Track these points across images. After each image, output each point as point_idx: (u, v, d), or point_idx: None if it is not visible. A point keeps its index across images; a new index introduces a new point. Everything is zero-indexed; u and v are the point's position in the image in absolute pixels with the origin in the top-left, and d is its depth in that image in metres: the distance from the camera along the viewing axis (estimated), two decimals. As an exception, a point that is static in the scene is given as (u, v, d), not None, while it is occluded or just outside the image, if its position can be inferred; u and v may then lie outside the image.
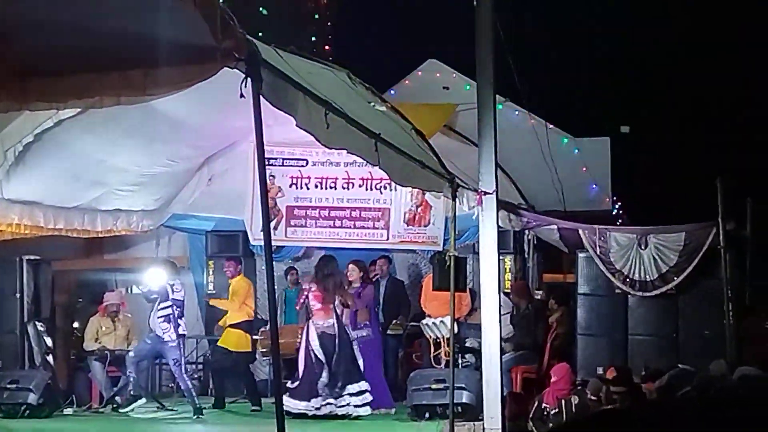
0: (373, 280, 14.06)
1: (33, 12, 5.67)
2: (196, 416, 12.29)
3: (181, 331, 12.64)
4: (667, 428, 1.45)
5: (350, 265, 12.86)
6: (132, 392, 12.59)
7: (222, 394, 13.49)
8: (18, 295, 13.49)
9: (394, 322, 14.05)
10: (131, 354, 12.71)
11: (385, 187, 14.30)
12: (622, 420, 1.50)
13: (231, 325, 13.46)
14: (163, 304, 12.56)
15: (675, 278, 12.63)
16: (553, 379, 11.00)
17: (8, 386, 12.16)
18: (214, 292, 14.94)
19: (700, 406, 1.55)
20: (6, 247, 13.31)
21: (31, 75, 6.02)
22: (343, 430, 11.47)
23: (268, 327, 12.74)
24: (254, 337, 13.75)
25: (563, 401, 10.80)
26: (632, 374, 10.52)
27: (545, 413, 10.98)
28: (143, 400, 12.67)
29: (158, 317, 12.53)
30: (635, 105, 23.95)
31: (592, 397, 10.43)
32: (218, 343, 13.55)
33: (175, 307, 12.61)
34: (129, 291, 15.38)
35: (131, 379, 12.61)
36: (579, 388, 11.02)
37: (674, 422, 1.47)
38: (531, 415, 11.22)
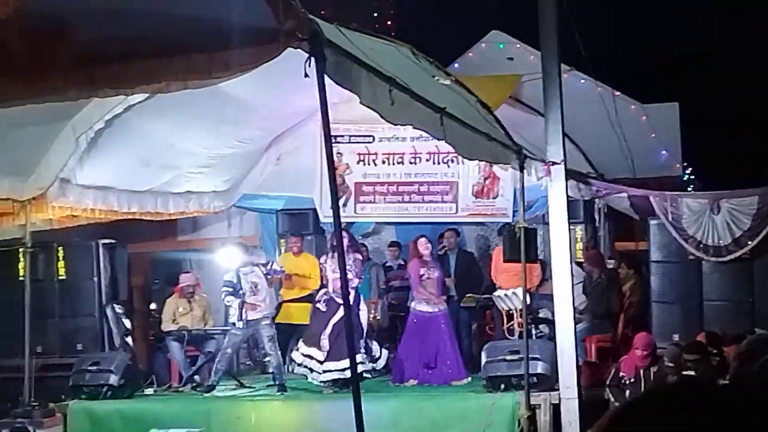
0: (441, 253, 14.12)
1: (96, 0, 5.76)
2: (281, 392, 12.48)
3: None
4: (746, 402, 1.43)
5: (421, 239, 12.91)
6: (215, 381, 12.73)
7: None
8: (95, 279, 13.78)
9: (466, 294, 14.05)
10: (228, 350, 12.82)
11: (452, 161, 14.28)
12: (703, 392, 1.47)
13: (287, 301, 13.61)
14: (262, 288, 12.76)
15: (749, 242, 12.47)
16: (635, 348, 10.91)
17: (90, 368, 12.39)
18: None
19: None
20: (82, 232, 13.59)
21: (98, 62, 6.10)
22: (418, 402, 11.54)
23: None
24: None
25: (642, 370, 10.74)
26: (720, 340, 10.44)
27: (622, 381, 10.93)
28: (221, 390, 12.81)
29: (261, 298, 12.70)
30: (704, 68, 23.58)
31: (670, 364, 10.37)
32: (276, 320, 13.61)
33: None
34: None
35: (219, 371, 12.75)
36: (658, 356, 10.95)
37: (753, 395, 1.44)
38: (608, 383, 11.18)
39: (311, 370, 12.33)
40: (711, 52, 23.79)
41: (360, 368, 11.94)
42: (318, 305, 12.57)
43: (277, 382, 12.67)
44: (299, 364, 12.44)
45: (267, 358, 12.92)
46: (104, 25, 5.84)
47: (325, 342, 12.21)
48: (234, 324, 12.83)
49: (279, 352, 12.83)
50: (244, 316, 12.69)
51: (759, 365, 6.39)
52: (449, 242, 14.46)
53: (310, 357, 12.29)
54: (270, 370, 12.98)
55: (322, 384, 12.28)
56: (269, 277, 12.88)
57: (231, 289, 12.73)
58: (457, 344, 13.08)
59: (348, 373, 11.99)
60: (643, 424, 1.43)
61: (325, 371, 12.20)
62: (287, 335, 13.76)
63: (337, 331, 12.03)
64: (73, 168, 11.61)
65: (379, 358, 12.79)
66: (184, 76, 6.04)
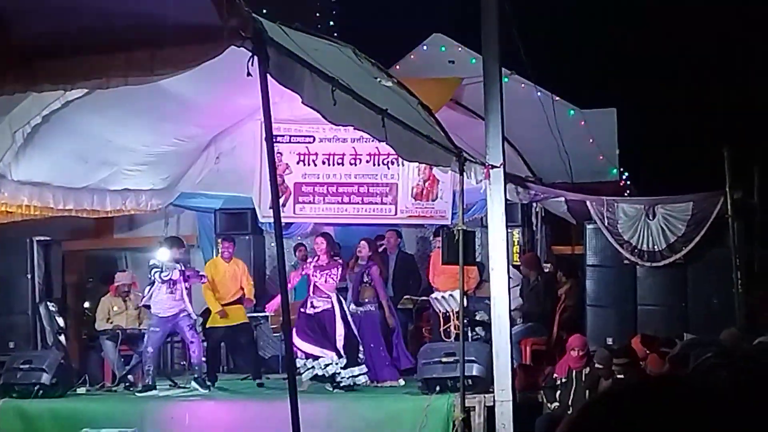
0: (380, 251, 14.16)
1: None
2: (204, 389, 12.50)
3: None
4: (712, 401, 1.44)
5: (362, 242, 12.97)
6: (150, 382, 12.63)
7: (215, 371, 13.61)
8: (29, 276, 13.59)
9: (404, 296, 14.09)
10: (150, 349, 12.71)
11: (392, 163, 14.30)
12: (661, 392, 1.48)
13: (225, 305, 13.56)
14: (179, 285, 12.69)
15: (683, 248, 12.64)
16: (570, 349, 11.03)
17: (21, 366, 12.22)
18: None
19: (730, 376, 1.53)
20: (16, 229, 13.38)
21: (38, 57, 6.04)
22: (353, 404, 11.55)
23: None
24: (267, 314, 13.87)
25: (574, 371, 10.86)
26: (659, 342, 10.57)
27: (555, 383, 11.04)
28: (156, 390, 12.71)
29: (179, 296, 12.63)
30: (641, 75, 23.87)
31: (599, 366, 10.50)
32: (207, 326, 13.52)
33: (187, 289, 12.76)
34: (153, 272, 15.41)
35: (150, 372, 12.66)
36: (591, 358, 11.07)
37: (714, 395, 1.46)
38: (541, 386, 11.28)
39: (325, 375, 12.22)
40: (649, 59, 24.09)
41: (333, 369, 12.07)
42: (306, 311, 12.44)
43: (196, 376, 12.64)
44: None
45: (191, 349, 12.82)
46: (44, 19, 5.77)
47: (340, 345, 12.16)
48: (156, 317, 12.71)
49: (201, 342, 12.81)
50: (155, 311, 12.67)
51: (697, 366, 6.49)
52: (389, 243, 14.50)
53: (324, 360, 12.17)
54: (192, 361, 12.87)
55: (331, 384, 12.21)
56: (187, 280, 12.82)
57: (158, 269, 12.67)
58: (392, 345, 13.12)
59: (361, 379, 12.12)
60: (603, 426, 1.45)
61: (344, 376, 12.15)
62: (220, 337, 13.69)
63: (347, 336, 12.12)
64: (9, 164, 11.45)
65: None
66: (124, 73, 5.99)
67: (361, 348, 12.38)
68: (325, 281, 12.40)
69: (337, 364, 12.12)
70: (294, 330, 11.86)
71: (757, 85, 21.69)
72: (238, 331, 13.63)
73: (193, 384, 12.72)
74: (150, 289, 12.81)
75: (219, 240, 15.04)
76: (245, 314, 13.73)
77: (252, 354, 13.85)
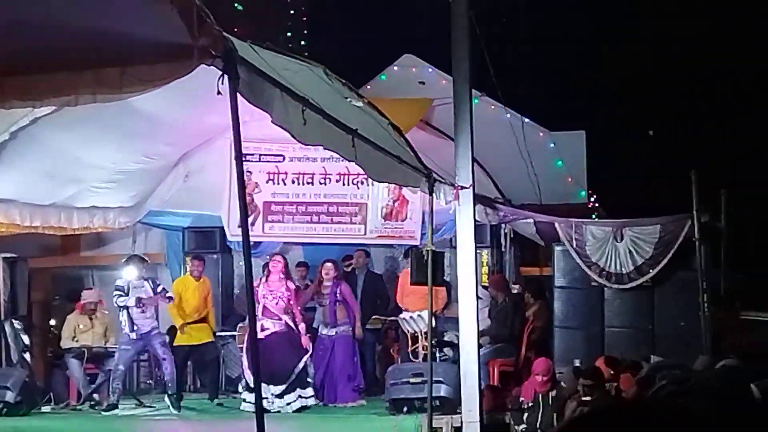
0: (348, 270, 14.15)
1: (6, 11, 5.66)
2: (177, 402, 12.42)
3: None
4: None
5: (327, 264, 12.94)
6: (114, 401, 12.53)
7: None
8: (-6, 293, 13.46)
9: (372, 316, 14.06)
10: (120, 367, 12.64)
11: (362, 183, 14.31)
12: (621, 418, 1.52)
13: (187, 323, 13.51)
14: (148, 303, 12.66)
15: (651, 270, 12.72)
16: (534, 373, 11.04)
17: (-15, 384, 12.11)
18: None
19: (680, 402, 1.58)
20: (-18, 245, 13.27)
21: (6, 74, 6.00)
22: (321, 424, 11.51)
23: (246, 322, 12.81)
24: (234, 333, 13.82)
25: (540, 395, 10.86)
26: (620, 364, 10.62)
27: (522, 406, 11.05)
28: (118, 410, 12.61)
29: (150, 314, 12.58)
30: (610, 97, 24.04)
31: (564, 386, 10.52)
32: (174, 344, 13.47)
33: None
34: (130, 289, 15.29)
35: (117, 390, 12.56)
36: (557, 380, 11.09)
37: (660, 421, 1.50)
38: (509, 407, 11.29)
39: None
40: (617, 81, 24.27)
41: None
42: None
43: (170, 393, 12.56)
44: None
45: (163, 366, 12.74)
46: (13, 36, 5.74)
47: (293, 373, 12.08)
48: (127, 335, 12.66)
49: (173, 358, 12.72)
50: (135, 327, 12.58)
51: (655, 392, 6.53)
52: (357, 261, 14.49)
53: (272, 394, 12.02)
54: (165, 378, 12.80)
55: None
56: (153, 296, 12.78)
57: (121, 293, 12.63)
58: (358, 367, 13.10)
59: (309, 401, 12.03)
60: None
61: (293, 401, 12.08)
62: (185, 355, 13.63)
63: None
64: (-25, 180, 11.36)
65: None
66: (93, 90, 5.96)
67: (310, 371, 12.34)
68: (276, 303, 12.32)
69: (273, 394, 12.00)
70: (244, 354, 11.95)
71: (726, 109, 21.91)
72: (204, 349, 13.59)
73: (167, 401, 12.64)
74: (120, 313, 12.76)
75: (188, 258, 14.97)
76: (210, 333, 13.67)
77: (213, 373, 13.80)
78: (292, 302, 12.36)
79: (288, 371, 12.04)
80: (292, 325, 12.29)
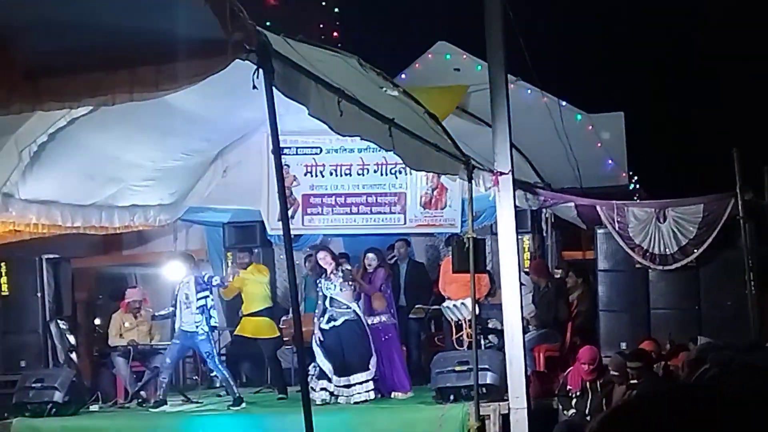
0: (392, 262, 14.12)
1: (41, 12, 5.67)
2: (236, 405, 12.33)
3: (213, 323, 12.68)
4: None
5: (369, 254, 12.91)
6: (161, 396, 12.57)
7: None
8: (39, 295, 13.59)
9: (416, 305, 14.02)
10: (168, 360, 12.66)
11: (400, 172, 14.27)
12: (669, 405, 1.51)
13: (248, 314, 13.52)
14: (200, 295, 12.58)
15: (695, 251, 12.58)
16: (580, 362, 10.94)
17: (34, 385, 12.21)
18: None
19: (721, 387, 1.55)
20: (25, 247, 13.38)
21: (43, 75, 6.02)
22: (368, 415, 11.49)
23: (290, 315, 12.82)
24: (279, 326, 13.84)
25: (588, 383, 10.77)
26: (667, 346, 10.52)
27: (569, 394, 10.97)
28: (167, 405, 12.65)
29: (194, 310, 12.53)
30: (649, 78, 23.82)
31: (615, 373, 10.43)
32: (235, 332, 13.55)
33: (210, 298, 12.66)
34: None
35: (164, 385, 12.60)
36: (603, 366, 10.99)
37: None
38: (556, 393, 11.22)
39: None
40: (656, 61, 24.04)
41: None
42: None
43: (229, 395, 12.54)
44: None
45: (213, 374, 12.79)
46: (49, 37, 5.75)
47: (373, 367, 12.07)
48: (179, 329, 12.69)
49: (222, 366, 12.70)
50: (177, 325, 12.59)
51: (699, 375, 6.45)
52: (399, 252, 14.46)
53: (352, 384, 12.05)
54: (217, 385, 12.84)
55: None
56: (213, 289, 12.79)
57: (200, 287, 12.66)
58: (405, 356, 13.07)
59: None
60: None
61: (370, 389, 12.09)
62: (240, 347, 13.67)
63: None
64: (16, 182, 11.42)
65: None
66: (129, 89, 5.97)
67: (373, 360, 12.29)
68: (342, 290, 12.31)
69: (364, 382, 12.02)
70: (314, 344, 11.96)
71: (767, 85, 21.62)
72: (264, 344, 13.53)
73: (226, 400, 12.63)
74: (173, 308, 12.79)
75: (229, 253, 15.02)
76: (274, 328, 13.64)
77: (276, 369, 13.74)
78: (359, 282, 12.34)
79: (360, 360, 12.03)
80: (360, 313, 12.25)
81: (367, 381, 12.00)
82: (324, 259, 12.48)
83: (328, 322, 12.22)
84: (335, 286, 12.26)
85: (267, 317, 13.57)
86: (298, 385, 13.34)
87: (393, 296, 13.25)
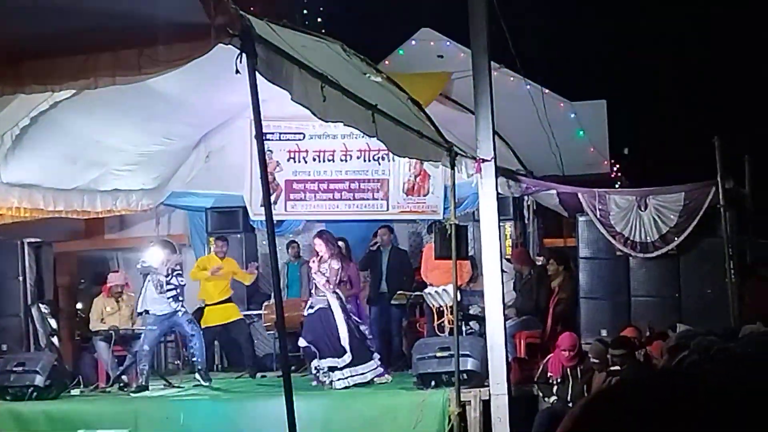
0: (375, 249, 14.14)
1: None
2: (205, 382, 12.56)
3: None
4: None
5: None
6: (143, 383, 12.58)
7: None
8: (20, 278, 13.54)
9: (397, 292, 14.05)
10: (145, 348, 12.67)
11: (383, 158, 14.29)
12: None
13: (210, 304, 13.56)
14: (168, 286, 12.59)
15: (675, 238, 12.64)
16: (560, 349, 10.99)
17: (14, 369, 12.17)
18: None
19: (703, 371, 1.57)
20: (7, 231, 13.34)
21: (25, 58, 6.01)
22: (349, 401, 11.52)
23: (272, 301, 12.85)
24: (260, 312, 13.87)
25: (568, 369, 10.83)
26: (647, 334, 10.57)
27: (549, 380, 11.02)
28: (149, 391, 12.67)
29: (168, 297, 12.55)
30: (631, 66, 23.88)
31: (595, 360, 10.48)
32: (202, 325, 13.48)
33: (178, 289, 12.68)
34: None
35: (144, 372, 12.62)
36: (583, 353, 11.05)
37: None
38: (536, 380, 11.27)
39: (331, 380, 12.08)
40: (638, 50, 24.10)
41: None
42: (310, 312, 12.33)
43: (199, 368, 12.63)
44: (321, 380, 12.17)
45: (192, 342, 12.76)
46: (31, 20, 5.73)
47: (346, 347, 12.06)
48: (153, 315, 12.66)
49: (201, 333, 12.75)
50: (151, 311, 12.65)
51: (678, 361, 6.50)
52: (382, 239, 14.46)
53: (332, 368, 12.04)
54: (194, 355, 12.83)
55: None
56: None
57: (148, 264, 12.65)
58: (384, 342, 13.10)
59: (368, 376, 12.03)
60: (610, 422, 1.48)
61: (348, 376, 12.05)
62: (215, 335, 13.72)
63: (353, 336, 12.01)
64: (-2, 166, 11.41)
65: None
66: (112, 72, 5.97)
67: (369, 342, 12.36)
68: (325, 281, 12.32)
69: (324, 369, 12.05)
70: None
71: (747, 74, 21.72)
72: (235, 328, 13.66)
73: (197, 377, 12.71)
74: (142, 293, 12.80)
75: (211, 239, 15.02)
76: (238, 311, 13.74)
77: (249, 351, 13.84)
78: (338, 278, 12.35)
79: (337, 344, 12.05)
80: (335, 301, 12.24)
81: (341, 368, 12.00)
82: (318, 246, 12.48)
83: (310, 308, 12.28)
84: (319, 275, 12.31)
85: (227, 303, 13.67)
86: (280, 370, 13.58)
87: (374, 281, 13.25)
